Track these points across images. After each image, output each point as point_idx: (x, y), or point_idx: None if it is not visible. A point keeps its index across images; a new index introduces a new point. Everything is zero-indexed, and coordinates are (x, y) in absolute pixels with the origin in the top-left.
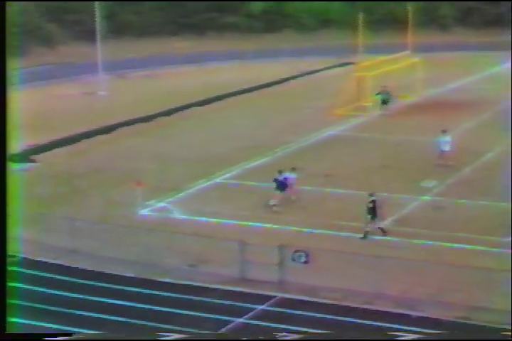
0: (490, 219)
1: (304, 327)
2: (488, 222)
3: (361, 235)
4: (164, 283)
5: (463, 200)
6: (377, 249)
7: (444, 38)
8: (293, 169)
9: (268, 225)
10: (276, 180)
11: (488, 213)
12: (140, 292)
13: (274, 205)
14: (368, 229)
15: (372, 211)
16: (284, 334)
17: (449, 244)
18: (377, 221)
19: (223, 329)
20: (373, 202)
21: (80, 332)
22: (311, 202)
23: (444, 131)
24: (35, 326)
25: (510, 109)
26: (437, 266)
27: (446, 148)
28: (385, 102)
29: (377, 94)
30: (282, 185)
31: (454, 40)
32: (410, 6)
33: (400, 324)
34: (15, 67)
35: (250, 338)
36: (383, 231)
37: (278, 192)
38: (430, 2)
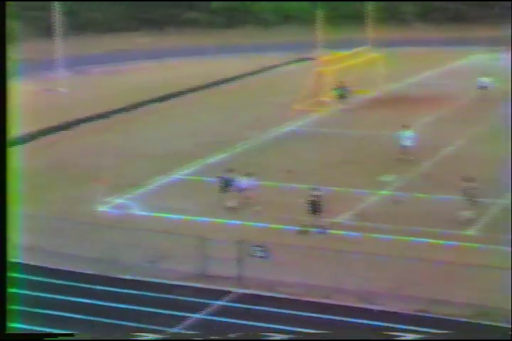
0: (449, 213)
1: (262, 322)
2: (448, 215)
3: (319, 230)
4: (125, 280)
5: (422, 194)
6: (336, 244)
7: (405, 33)
8: (248, 174)
9: (229, 221)
10: (222, 179)
11: (447, 207)
12: (102, 289)
13: (232, 206)
14: (322, 224)
15: (314, 205)
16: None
17: (408, 238)
18: (318, 216)
19: (180, 326)
20: (317, 196)
21: (45, 332)
22: (273, 198)
23: (404, 126)
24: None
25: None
26: (397, 259)
27: (407, 143)
28: (342, 97)
29: (334, 90)
30: (228, 186)
31: (414, 35)
32: (371, 6)
33: (360, 318)
34: None
35: (205, 336)
36: (305, 230)
37: (230, 193)
38: (391, 2)
